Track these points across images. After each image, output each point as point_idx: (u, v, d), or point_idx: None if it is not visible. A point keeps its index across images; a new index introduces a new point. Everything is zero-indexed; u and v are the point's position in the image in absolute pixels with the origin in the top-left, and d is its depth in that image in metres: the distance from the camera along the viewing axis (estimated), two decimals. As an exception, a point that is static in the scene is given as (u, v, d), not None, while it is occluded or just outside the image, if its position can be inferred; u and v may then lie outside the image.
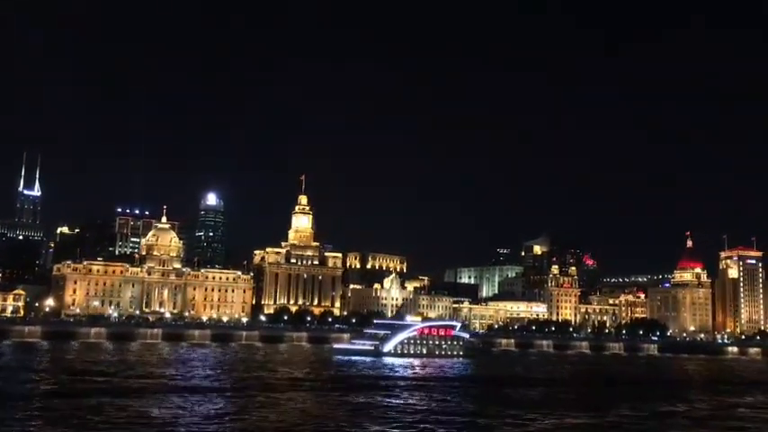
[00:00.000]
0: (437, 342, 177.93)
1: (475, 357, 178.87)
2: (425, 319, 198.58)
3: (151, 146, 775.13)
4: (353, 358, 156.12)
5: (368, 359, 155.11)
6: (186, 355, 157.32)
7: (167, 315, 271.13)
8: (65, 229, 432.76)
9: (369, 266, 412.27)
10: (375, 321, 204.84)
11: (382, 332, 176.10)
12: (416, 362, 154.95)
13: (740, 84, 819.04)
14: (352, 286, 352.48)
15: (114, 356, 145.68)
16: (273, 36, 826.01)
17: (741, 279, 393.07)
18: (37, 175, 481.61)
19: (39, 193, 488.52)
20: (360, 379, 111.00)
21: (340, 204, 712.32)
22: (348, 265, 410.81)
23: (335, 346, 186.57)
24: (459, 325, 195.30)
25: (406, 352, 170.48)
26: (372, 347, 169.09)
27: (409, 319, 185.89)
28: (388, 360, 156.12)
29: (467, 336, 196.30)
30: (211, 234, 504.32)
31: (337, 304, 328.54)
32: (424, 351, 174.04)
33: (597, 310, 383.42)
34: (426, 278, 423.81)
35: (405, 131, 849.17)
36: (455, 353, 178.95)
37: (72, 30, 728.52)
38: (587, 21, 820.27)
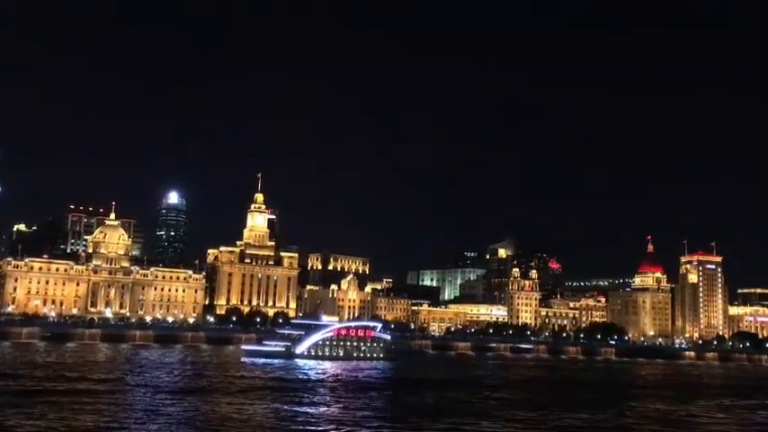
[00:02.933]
0: (355, 343, 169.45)
1: (397, 360, 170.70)
2: (353, 318, 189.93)
3: (115, 143, 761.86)
4: (263, 360, 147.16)
5: (278, 361, 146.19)
6: (112, 357, 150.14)
7: (108, 315, 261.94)
8: (22, 227, 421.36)
9: (330, 268, 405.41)
10: (291, 321, 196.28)
11: (296, 333, 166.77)
12: (330, 364, 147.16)
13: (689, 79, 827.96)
14: (308, 287, 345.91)
15: (35, 358, 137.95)
16: (238, 33, 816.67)
17: (700, 284, 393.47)
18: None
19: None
20: (258, 381, 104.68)
21: (306, 206, 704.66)
22: (310, 266, 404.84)
23: (244, 347, 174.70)
24: (379, 326, 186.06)
25: (320, 354, 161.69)
26: (284, 349, 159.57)
27: (325, 318, 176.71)
28: (300, 363, 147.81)
29: (388, 337, 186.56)
30: (173, 233, 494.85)
31: (293, 305, 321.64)
32: (341, 353, 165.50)
33: (557, 314, 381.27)
34: (388, 280, 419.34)
35: (376, 133, 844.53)
36: (375, 355, 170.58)
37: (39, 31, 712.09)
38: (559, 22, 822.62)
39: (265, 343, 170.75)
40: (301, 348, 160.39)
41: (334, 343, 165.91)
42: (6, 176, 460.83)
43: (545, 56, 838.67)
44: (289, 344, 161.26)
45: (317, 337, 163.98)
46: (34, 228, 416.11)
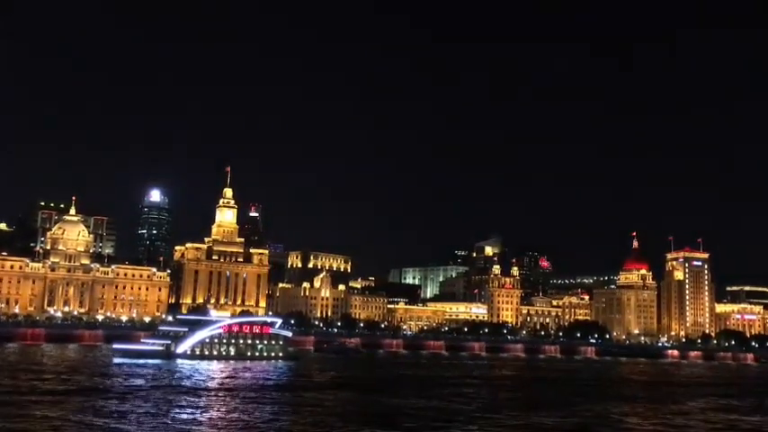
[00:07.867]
0: (249, 342, 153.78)
1: (298, 359, 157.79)
2: (241, 314, 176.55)
3: (96, 139, 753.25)
4: (137, 361, 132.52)
5: (155, 362, 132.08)
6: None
7: (58, 314, 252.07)
8: (3, 226, 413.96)
9: (310, 266, 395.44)
10: (177, 317, 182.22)
11: (179, 330, 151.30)
12: (216, 365, 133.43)
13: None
14: (281, 285, 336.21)
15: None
16: (221, 28, 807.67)
17: (687, 281, 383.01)
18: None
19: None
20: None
21: (292, 204, 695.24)
22: (289, 264, 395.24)
23: (116, 346, 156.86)
24: (279, 321, 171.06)
25: (207, 353, 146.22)
26: (163, 348, 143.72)
27: (214, 314, 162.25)
28: (181, 363, 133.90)
29: (288, 334, 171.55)
30: (155, 232, 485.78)
31: (263, 304, 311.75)
32: (232, 352, 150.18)
33: (539, 312, 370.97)
34: (369, 278, 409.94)
35: (364, 131, 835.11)
36: (272, 354, 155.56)
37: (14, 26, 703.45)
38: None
39: (142, 341, 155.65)
40: (183, 347, 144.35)
41: (224, 341, 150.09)
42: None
43: (538, 55, 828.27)
44: (168, 342, 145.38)
45: (202, 334, 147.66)
46: (14, 227, 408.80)
